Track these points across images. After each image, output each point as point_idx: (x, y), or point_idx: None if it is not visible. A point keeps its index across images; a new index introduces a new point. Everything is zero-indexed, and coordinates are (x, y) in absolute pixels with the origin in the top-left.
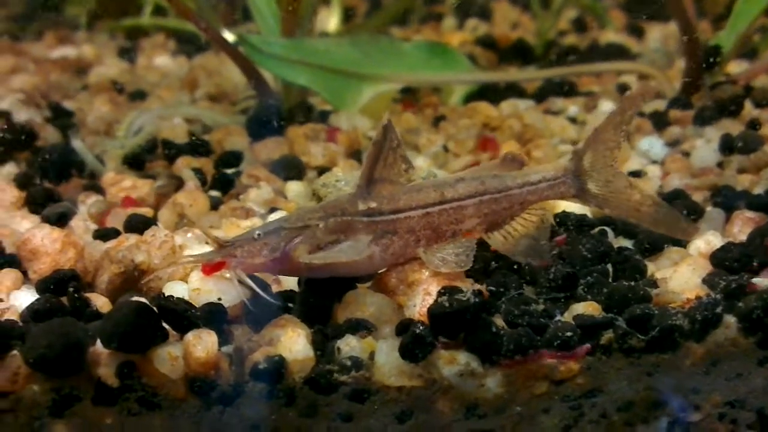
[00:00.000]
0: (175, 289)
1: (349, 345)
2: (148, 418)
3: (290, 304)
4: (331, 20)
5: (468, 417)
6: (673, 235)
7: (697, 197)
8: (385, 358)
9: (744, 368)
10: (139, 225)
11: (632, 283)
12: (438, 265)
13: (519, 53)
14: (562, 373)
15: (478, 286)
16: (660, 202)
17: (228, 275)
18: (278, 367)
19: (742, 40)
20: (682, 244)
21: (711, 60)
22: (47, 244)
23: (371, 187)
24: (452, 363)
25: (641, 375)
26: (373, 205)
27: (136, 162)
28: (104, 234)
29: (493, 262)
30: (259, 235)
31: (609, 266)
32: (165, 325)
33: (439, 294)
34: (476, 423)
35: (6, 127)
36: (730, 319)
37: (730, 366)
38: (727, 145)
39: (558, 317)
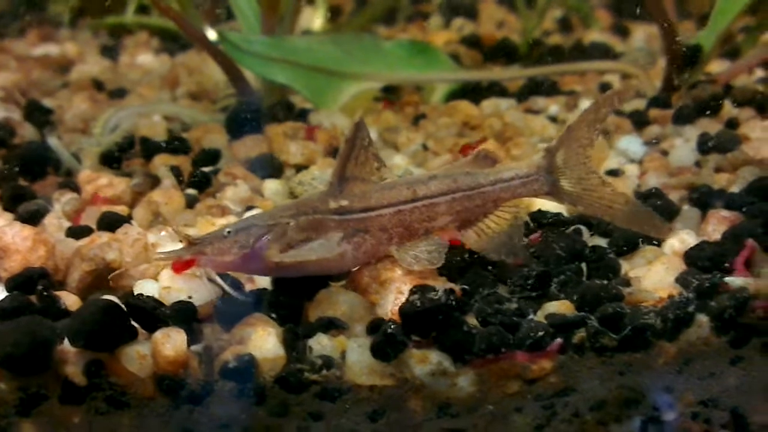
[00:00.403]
0: (146, 287)
1: (321, 344)
2: (116, 417)
3: (262, 303)
4: (316, 18)
5: (440, 416)
6: (646, 233)
7: (674, 196)
8: (357, 357)
9: (716, 367)
10: (112, 223)
11: (605, 282)
12: (411, 263)
13: (503, 52)
14: (534, 372)
15: (450, 285)
16: (633, 201)
17: (198, 273)
18: (248, 365)
19: (723, 39)
20: (657, 242)
21: (691, 59)
22: (18, 242)
23: (343, 185)
24: (424, 362)
25: (613, 374)
26: (345, 203)
27: (112, 160)
28: (77, 232)
29: (466, 257)
30: (229, 232)
31: (583, 265)
32: (134, 323)
33: (411, 293)
34: (448, 422)
35: None
36: (703, 318)
37: (703, 365)
38: (705, 145)
39: (531, 316)
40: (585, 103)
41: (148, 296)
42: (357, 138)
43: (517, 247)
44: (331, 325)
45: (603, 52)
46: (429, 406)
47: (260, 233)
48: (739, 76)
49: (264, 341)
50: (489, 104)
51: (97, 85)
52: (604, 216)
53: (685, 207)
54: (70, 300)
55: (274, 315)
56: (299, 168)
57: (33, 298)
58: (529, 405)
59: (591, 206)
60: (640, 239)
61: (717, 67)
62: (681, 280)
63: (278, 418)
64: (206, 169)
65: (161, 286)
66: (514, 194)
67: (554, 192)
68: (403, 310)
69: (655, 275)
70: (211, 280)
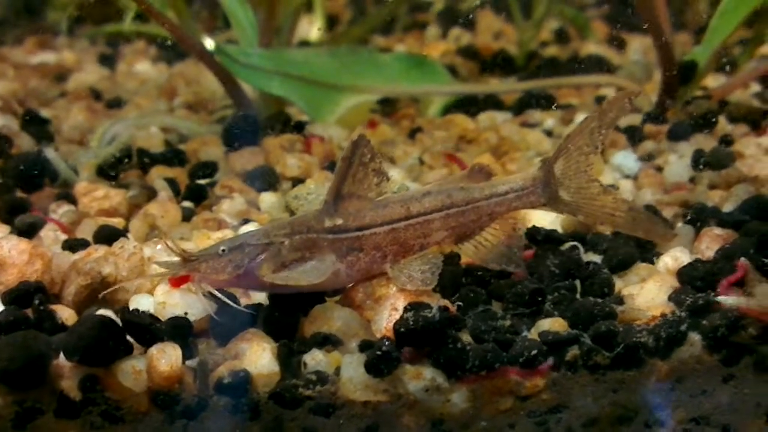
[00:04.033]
0: (142, 303)
1: (315, 359)
2: None
3: (257, 318)
4: (313, 28)
5: None
6: (650, 239)
7: (668, 213)
8: (351, 373)
9: (709, 385)
10: (109, 236)
11: (598, 300)
12: (404, 282)
13: (500, 64)
14: (527, 389)
15: (444, 302)
16: (635, 207)
17: (193, 289)
18: (243, 381)
19: (718, 55)
20: (651, 260)
21: (686, 75)
22: (14, 255)
23: (338, 203)
24: (418, 378)
25: (606, 391)
26: (339, 221)
27: (109, 171)
28: (73, 245)
29: (461, 273)
30: (223, 251)
31: (577, 282)
32: (129, 338)
33: (405, 310)
34: None
35: None
36: (695, 337)
37: (695, 383)
38: (699, 161)
39: (525, 333)
40: (581, 117)
41: (143, 311)
42: (355, 155)
43: (518, 257)
44: (326, 341)
45: (599, 64)
46: (422, 422)
47: (254, 252)
48: (733, 92)
49: (259, 357)
50: (485, 117)
51: (95, 94)
52: (606, 224)
53: (679, 224)
54: (65, 314)
55: (268, 330)
56: (296, 181)
57: (29, 312)
58: (522, 421)
59: (592, 215)
60: (634, 257)
61: (712, 81)
62: (674, 298)
63: None
64: (203, 182)
65: (157, 301)
66: (510, 207)
67: (552, 203)
68: (397, 328)
69: (648, 293)
70: (205, 295)
